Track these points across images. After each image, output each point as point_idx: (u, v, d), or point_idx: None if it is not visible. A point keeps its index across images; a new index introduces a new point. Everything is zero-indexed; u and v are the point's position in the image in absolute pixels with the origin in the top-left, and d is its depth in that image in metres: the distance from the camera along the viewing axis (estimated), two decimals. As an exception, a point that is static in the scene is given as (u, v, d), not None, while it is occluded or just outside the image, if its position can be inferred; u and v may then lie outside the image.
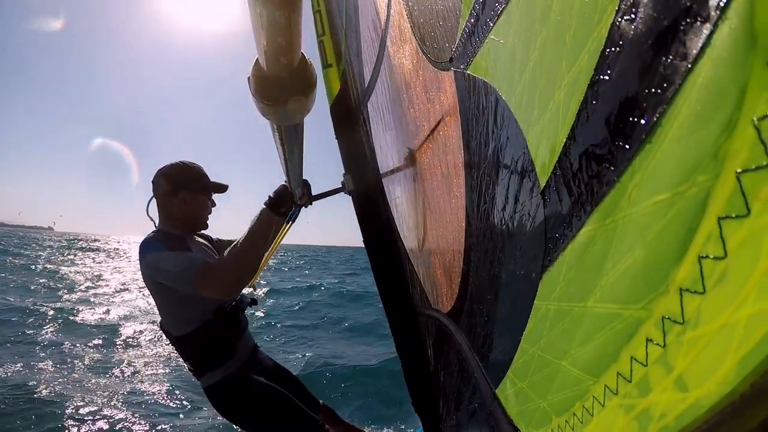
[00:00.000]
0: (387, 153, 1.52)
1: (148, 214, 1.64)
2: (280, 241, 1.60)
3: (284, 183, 1.47)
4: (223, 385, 1.61)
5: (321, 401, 1.95)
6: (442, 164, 0.90)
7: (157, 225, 1.60)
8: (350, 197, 1.84)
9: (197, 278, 1.25)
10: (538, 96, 0.53)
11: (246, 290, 1.79)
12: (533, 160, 0.54)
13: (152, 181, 1.57)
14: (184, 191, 1.56)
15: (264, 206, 1.41)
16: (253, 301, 1.77)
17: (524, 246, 0.57)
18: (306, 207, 1.62)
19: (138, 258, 1.50)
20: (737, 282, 0.33)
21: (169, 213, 1.58)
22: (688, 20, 0.36)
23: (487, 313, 0.75)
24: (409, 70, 1.01)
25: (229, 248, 1.32)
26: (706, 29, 0.35)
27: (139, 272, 1.49)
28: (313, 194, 1.64)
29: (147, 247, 1.45)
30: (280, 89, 0.55)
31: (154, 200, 1.60)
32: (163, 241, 1.47)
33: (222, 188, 1.69)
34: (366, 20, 1.43)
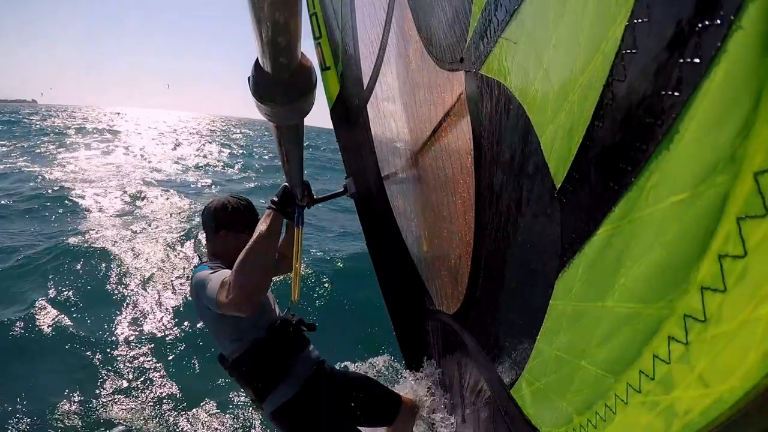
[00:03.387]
0: (390, 155, 1.52)
1: (195, 246, 1.69)
2: (301, 248, 1.61)
3: (284, 185, 1.44)
4: (286, 410, 1.56)
5: (403, 398, 1.78)
6: (448, 166, 0.91)
7: (202, 257, 1.65)
8: (353, 200, 1.85)
9: (218, 291, 1.21)
10: (552, 97, 0.53)
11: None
12: (547, 161, 0.55)
13: (203, 212, 1.66)
14: (224, 230, 1.61)
15: (269, 209, 1.36)
16: (311, 327, 1.68)
17: (538, 247, 0.58)
18: (308, 208, 1.63)
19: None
20: (758, 279, 0.34)
21: (213, 248, 1.64)
22: (704, 23, 0.36)
23: (498, 314, 0.76)
24: (412, 71, 1.01)
25: (238, 260, 1.20)
26: (722, 32, 0.35)
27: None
28: (315, 197, 1.64)
29: (193, 273, 1.47)
30: (280, 90, 0.55)
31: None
32: (209, 264, 1.49)
33: None
34: (363, 22, 1.44)
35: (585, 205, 0.49)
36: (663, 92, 0.40)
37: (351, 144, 1.94)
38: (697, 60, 0.38)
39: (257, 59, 0.51)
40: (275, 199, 1.40)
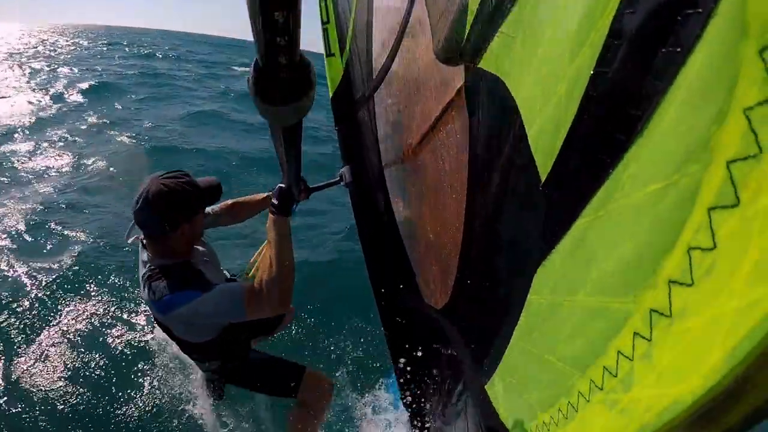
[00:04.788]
0: (389, 145, 1.52)
1: (128, 240, 1.42)
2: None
3: (280, 185, 1.42)
4: (222, 369, 1.72)
5: (309, 371, 1.95)
6: (445, 158, 0.91)
7: (148, 251, 1.41)
8: (347, 189, 1.81)
9: (247, 307, 1.26)
10: (542, 89, 0.53)
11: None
12: (534, 153, 0.54)
13: (138, 213, 1.31)
14: (184, 224, 1.35)
15: (273, 215, 1.38)
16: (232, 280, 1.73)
17: (522, 240, 0.57)
18: (306, 200, 1.63)
19: (153, 310, 1.36)
20: (726, 273, 0.32)
21: (167, 248, 1.39)
22: (685, 11, 0.36)
23: (481, 309, 0.75)
24: (423, 63, 1.01)
25: (261, 268, 1.31)
26: (701, 20, 0.34)
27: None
28: (310, 187, 1.63)
29: (169, 304, 1.29)
30: (279, 89, 0.54)
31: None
32: (178, 283, 1.31)
33: (216, 195, 1.48)
34: (381, 11, 1.44)
35: (567, 198, 0.48)
36: (644, 81, 0.40)
37: (350, 132, 1.90)
38: (678, 49, 0.37)
39: (256, 59, 0.51)
40: (275, 202, 1.38)
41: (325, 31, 1.83)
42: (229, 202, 1.82)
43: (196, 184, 1.39)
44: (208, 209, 1.73)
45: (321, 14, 1.86)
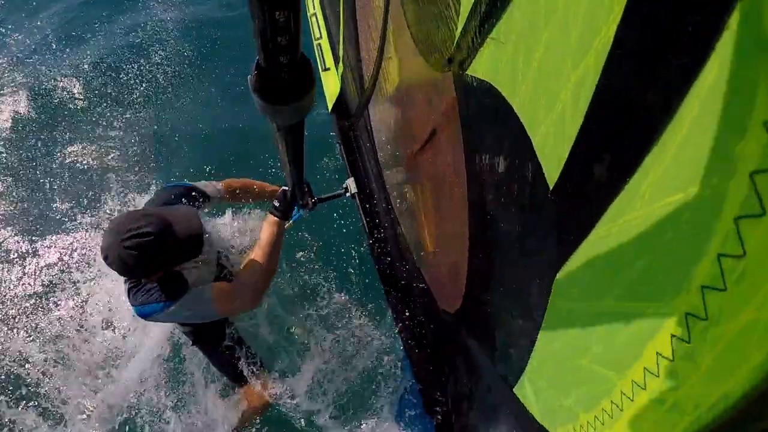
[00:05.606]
0: (391, 155, 1.52)
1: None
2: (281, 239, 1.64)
3: (283, 189, 1.44)
4: (196, 331, 1.75)
5: (250, 389, 1.96)
6: (442, 166, 0.91)
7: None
8: (353, 201, 1.82)
9: (217, 307, 1.33)
10: (543, 96, 0.53)
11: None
12: (540, 160, 0.55)
13: (119, 259, 1.23)
14: (160, 271, 1.33)
15: (272, 217, 1.39)
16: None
17: (535, 247, 0.58)
18: (312, 210, 1.61)
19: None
20: (758, 279, 0.34)
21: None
22: (698, 22, 0.36)
23: (498, 314, 0.77)
24: (408, 71, 1.00)
25: (246, 265, 1.37)
26: (715, 31, 0.35)
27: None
28: (315, 198, 1.63)
29: (145, 314, 1.40)
30: (281, 89, 0.55)
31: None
32: (155, 294, 1.34)
33: (195, 251, 1.36)
34: (363, 23, 1.42)
35: (579, 206, 0.49)
36: (657, 91, 0.40)
37: (352, 144, 1.92)
38: (690, 59, 0.37)
39: (257, 58, 0.52)
40: (277, 204, 1.39)
41: (318, 46, 1.83)
42: (236, 184, 1.74)
43: (166, 242, 1.25)
44: (212, 191, 1.63)
45: (312, 30, 1.86)
